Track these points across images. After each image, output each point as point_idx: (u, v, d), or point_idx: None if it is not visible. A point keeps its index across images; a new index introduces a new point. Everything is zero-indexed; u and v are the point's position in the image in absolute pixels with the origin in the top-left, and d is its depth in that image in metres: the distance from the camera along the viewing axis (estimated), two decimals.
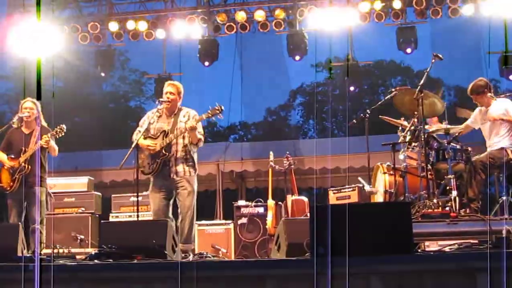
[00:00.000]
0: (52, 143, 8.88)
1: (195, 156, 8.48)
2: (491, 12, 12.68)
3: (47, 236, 9.26)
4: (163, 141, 8.26)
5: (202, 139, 8.36)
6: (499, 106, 8.72)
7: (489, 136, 8.79)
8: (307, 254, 6.48)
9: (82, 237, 11.05)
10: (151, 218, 8.62)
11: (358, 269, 5.21)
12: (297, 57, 13.59)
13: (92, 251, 10.09)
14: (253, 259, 6.70)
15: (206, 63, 13.78)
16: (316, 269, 5.23)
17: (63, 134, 8.96)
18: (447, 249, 6.54)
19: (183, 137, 8.32)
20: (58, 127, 8.99)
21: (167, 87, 8.58)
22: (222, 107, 8.21)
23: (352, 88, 14.67)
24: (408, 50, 13.26)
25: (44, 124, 9.17)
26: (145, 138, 8.40)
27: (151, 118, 8.57)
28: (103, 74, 14.61)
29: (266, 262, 5.92)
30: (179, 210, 8.25)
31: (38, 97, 11.16)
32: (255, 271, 5.49)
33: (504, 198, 8.18)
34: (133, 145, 8.20)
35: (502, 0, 12.43)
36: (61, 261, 6.50)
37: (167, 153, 8.23)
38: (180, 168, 8.25)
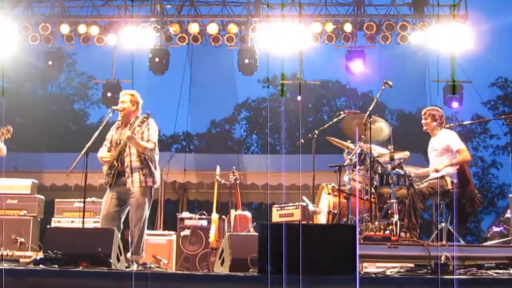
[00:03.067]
0: (1, 144, 8.68)
1: (154, 164, 8.40)
2: (438, 42, 13.06)
3: None
4: (115, 152, 8.25)
5: (149, 147, 8.19)
6: (442, 137, 9.01)
7: (432, 165, 9.04)
8: (251, 270, 6.56)
9: (23, 240, 10.89)
10: (95, 225, 8.58)
11: None
12: (247, 73, 13.67)
13: (33, 255, 10.05)
14: (199, 273, 6.73)
15: (156, 72, 13.78)
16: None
17: (9, 135, 8.77)
18: (388, 272, 6.68)
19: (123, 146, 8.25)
20: (4, 128, 8.81)
21: (121, 96, 8.55)
22: (149, 113, 8.16)
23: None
24: (356, 71, 13.52)
25: None
26: (108, 151, 8.37)
27: (112, 130, 8.51)
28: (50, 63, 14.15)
29: (213, 276, 5.97)
30: (129, 220, 8.20)
31: None
32: (202, 285, 5.53)
33: (443, 225, 8.40)
34: (83, 151, 8.09)
35: (449, 30, 12.84)
36: (5, 265, 6.44)
37: (118, 164, 8.19)
38: (136, 177, 8.16)
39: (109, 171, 8.24)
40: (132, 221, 8.13)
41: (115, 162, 8.20)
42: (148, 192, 8.29)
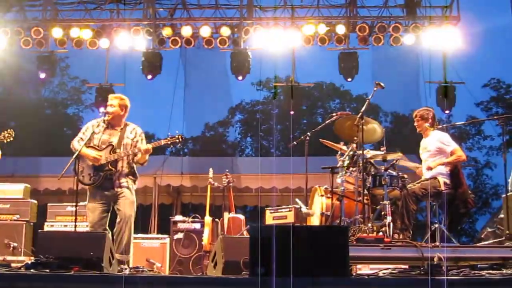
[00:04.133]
0: None
1: (136, 170, 8.53)
2: (430, 43, 13.09)
3: None
4: (110, 156, 8.23)
5: (146, 158, 8.43)
6: (434, 138, 9.02)
7: (425, 164, 9.03)
8: (244, 272, 6.54)
9: (16, 244, 10.85)
10: (87, 229, 8.53)
11: None
12: (240, 76, 13.63)
13: (25, 259, 10.00)
14: (192, 276, 6.71)
15: (149, 76, 13.76)
16: None
17: (12, 138, 8.70)
18: (380, 273, 6.66)
19: (128, 154, 8.32)
20: (6, 131, 8.75)
21: (110, 100, 8.59)
22: (183, 137, 8.31)
23: (292, 112, 14.82)
24: (349, 79, 13.57)
25: None
26: (87, 147, 8.31)
27: (95, 128, 8.46)
28: (43, 75, 14.09)
29: (205, 279, 5.94)
30: (118, 219, 8.18)
31: None
32: None
33: (436, 226, 8.38)
34: (75, 154, 8.09)
35: (441, 32, 12.87)
36: None
37: (113, 168, 8.21)
38: (124, 180, 8.26)
39: (98, 172, 8.22)
40: (124, 218, 8.14)
41: (110, 166, 8.20)
42: (135, 194, 8.40)
